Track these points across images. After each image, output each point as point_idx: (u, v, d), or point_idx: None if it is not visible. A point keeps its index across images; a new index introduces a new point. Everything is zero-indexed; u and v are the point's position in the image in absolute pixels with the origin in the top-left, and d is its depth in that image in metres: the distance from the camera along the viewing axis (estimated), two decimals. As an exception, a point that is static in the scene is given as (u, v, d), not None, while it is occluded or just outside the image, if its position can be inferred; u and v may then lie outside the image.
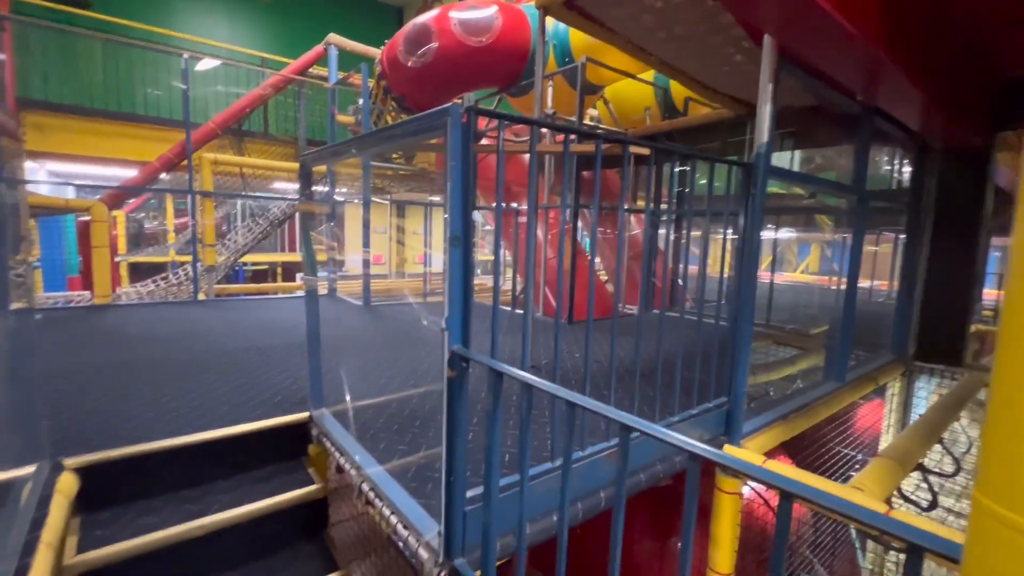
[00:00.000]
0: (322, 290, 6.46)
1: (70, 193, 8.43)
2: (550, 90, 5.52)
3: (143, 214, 13.10)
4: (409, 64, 5.06)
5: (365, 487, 1.83)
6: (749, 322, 2.11)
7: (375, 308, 5.68)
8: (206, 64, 8.23)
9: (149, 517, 1.89)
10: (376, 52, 6.41)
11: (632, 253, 6.90)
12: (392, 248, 9.57)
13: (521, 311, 5.91)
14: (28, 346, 1.72)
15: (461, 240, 1.27)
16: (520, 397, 1.27)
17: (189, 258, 5.72)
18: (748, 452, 2.15)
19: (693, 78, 3.79)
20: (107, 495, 1.94)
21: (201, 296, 5.96)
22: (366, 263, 5.73)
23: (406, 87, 5.41)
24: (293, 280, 11.71)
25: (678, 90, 5.49)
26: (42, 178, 7.85)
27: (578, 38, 5.53)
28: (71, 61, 6.81)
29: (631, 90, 5.89)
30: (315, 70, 7.34)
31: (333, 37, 6.21)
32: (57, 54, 6.62)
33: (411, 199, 8.44)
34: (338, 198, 7.57)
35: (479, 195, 6.76)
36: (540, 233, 5.90)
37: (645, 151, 1.71)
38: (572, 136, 1.60)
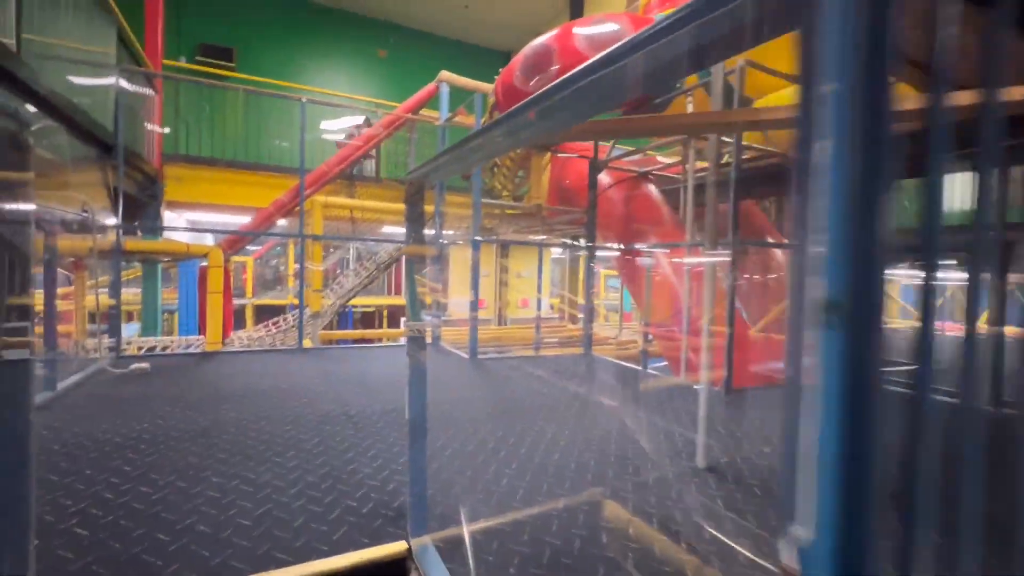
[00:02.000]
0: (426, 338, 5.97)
1: (208, 240, 9.07)
2: (689, 107, 4.66)
3: (271, 261, 14.09)
4: (529, 87, 4.51)
5: None
6: None
7: (482, 363, 4.98)
8: (339, 123, 8.61)
9: None
10: (488, 87, 6.07)
11: (780, 297, 5.59)
12: (496, 291, 9.01)
13: (653, 371, 4.86)
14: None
15: (844, 310, 0.42)
16: None
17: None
18: None
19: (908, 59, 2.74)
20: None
21: (306, 343, 5.72)
22: (473, 306, 5.11)
23: (522, 115, 4.86)
24: (397, 325, 11.64)
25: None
26: (183, 227, 8.47)
27: (726, 44, 4.63)
28: (208, 117, 7.34)
29: (790, 101, 4.80)
30: (426, 112, 7.20)
31: (445, 74, 5.96)
32: (197, 111, 7.16)
33: (519, 239, 7.87)
34: (443, 240, 7.20)
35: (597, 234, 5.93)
36: (678, 276, 4.91)
37: None
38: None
